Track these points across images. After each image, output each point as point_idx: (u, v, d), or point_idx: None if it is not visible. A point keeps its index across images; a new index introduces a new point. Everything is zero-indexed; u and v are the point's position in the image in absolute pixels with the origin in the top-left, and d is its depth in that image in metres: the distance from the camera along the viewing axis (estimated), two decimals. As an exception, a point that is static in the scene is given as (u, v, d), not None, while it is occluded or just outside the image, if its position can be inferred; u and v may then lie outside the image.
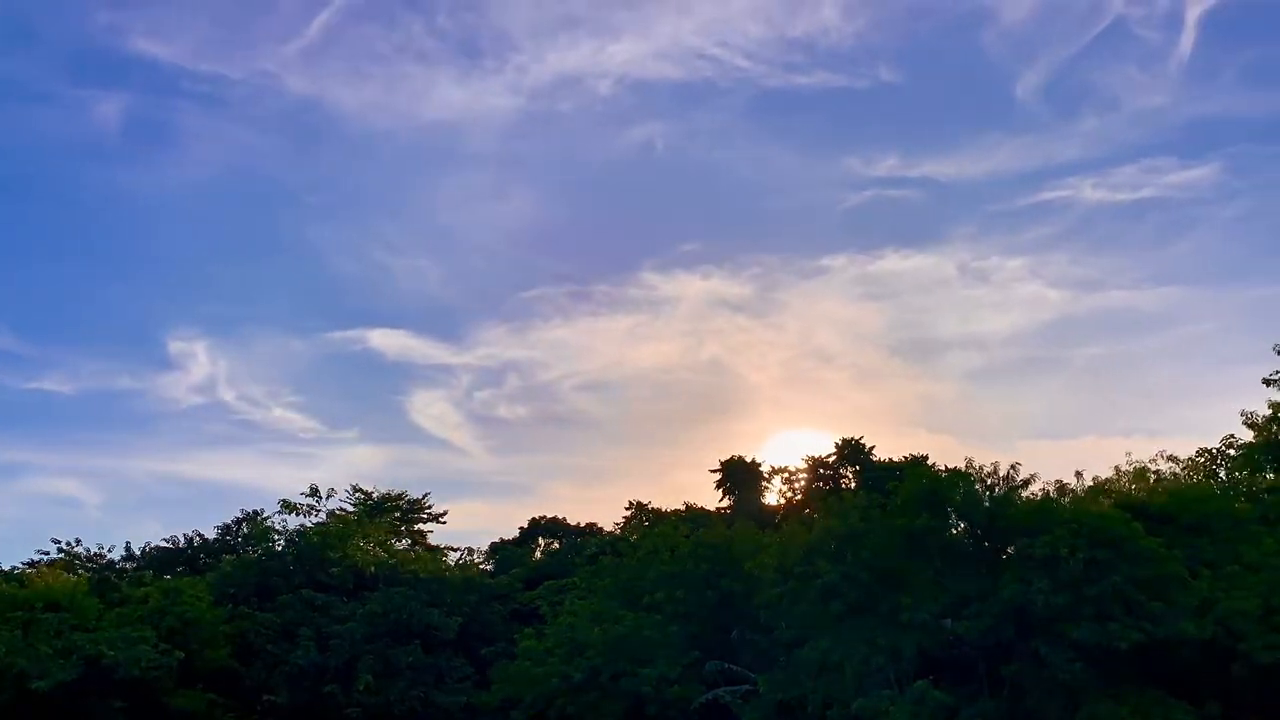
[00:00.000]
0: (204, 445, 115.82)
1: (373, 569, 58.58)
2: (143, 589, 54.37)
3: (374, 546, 60.85)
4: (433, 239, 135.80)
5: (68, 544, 62.04)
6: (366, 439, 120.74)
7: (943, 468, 43.13)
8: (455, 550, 67.92)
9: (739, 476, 64.35)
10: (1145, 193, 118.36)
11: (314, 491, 61.47)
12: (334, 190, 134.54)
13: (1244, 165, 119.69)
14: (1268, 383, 40.49)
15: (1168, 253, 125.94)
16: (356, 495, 64.05)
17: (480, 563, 69.09)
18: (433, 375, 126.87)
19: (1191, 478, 42.41)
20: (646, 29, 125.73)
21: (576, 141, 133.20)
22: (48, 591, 51.02)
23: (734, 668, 42.14)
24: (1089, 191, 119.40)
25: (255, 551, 62.13)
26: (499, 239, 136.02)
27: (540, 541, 77.17)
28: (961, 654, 37.13)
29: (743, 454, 65.24)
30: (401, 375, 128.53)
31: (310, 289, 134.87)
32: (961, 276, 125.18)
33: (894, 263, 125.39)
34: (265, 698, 51.37)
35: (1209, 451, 43.45)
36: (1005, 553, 38.11)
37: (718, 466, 65.22)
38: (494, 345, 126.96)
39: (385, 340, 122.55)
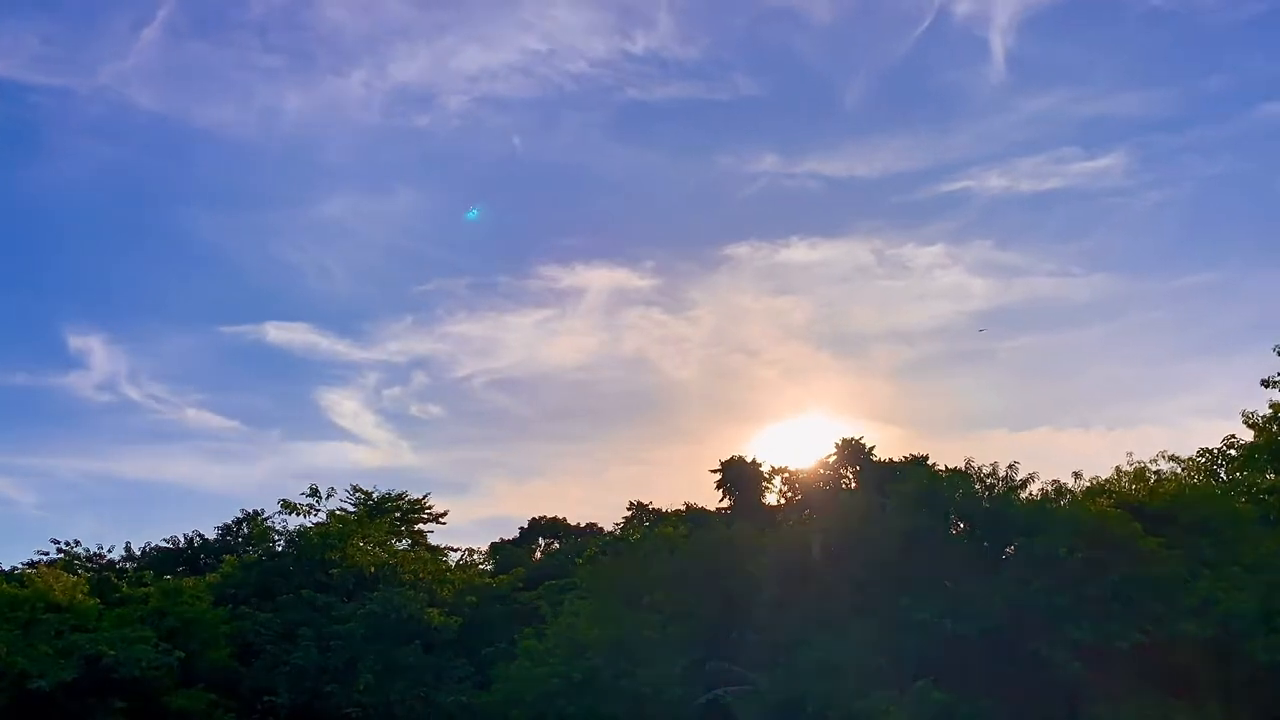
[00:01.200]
0: (129, 443, 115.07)
1: (373, 569, 58.59)
2: (143, 589, 54.47)
3: (374, 547, 60.84)
4: (321, 235, 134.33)
5: (67, 544, 62.40)
6: (291, 437, 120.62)
7: (943, 468, 43.18)
8: (456, 550, 68.01)
9: (739, 476, 64.36)
10: (1053, 183, 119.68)
11: (314, 491, 61.52)
12: (214, 193, 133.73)
13: (1151, 156, 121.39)
14: (1266, 384, 40.45)
15: (1087, 241, 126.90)
16: (356, 495, 64.14)
17: (480, 563, 69.15)
18: (339, 372, 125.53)
19: (1192, 478, 42.41)
20: (487, 42, 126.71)
21: (441, 149, 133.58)
22: (48, 591, 51.02)
23: (734, 668, 42.11)
24: (994, 181, 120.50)
25: (255, 552, 62.22)
26: (388, 234, 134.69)
27: (540, 542, 77.33)
28: (962, 654, 37.14)
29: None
30: (308, 372, 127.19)
31: (205, 285, 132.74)
32: (880, 266, 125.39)
33: (802, 251, 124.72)
34: (265, 698, 51.36)
35: (1209, 451, 43.49)
36: (1005, 552, 38.15)
37: (718, 466, 65.29)
38: (399, 340, 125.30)
39: (288, 336, 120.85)
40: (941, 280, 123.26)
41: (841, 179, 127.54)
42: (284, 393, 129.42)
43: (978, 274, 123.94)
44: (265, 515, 64.08)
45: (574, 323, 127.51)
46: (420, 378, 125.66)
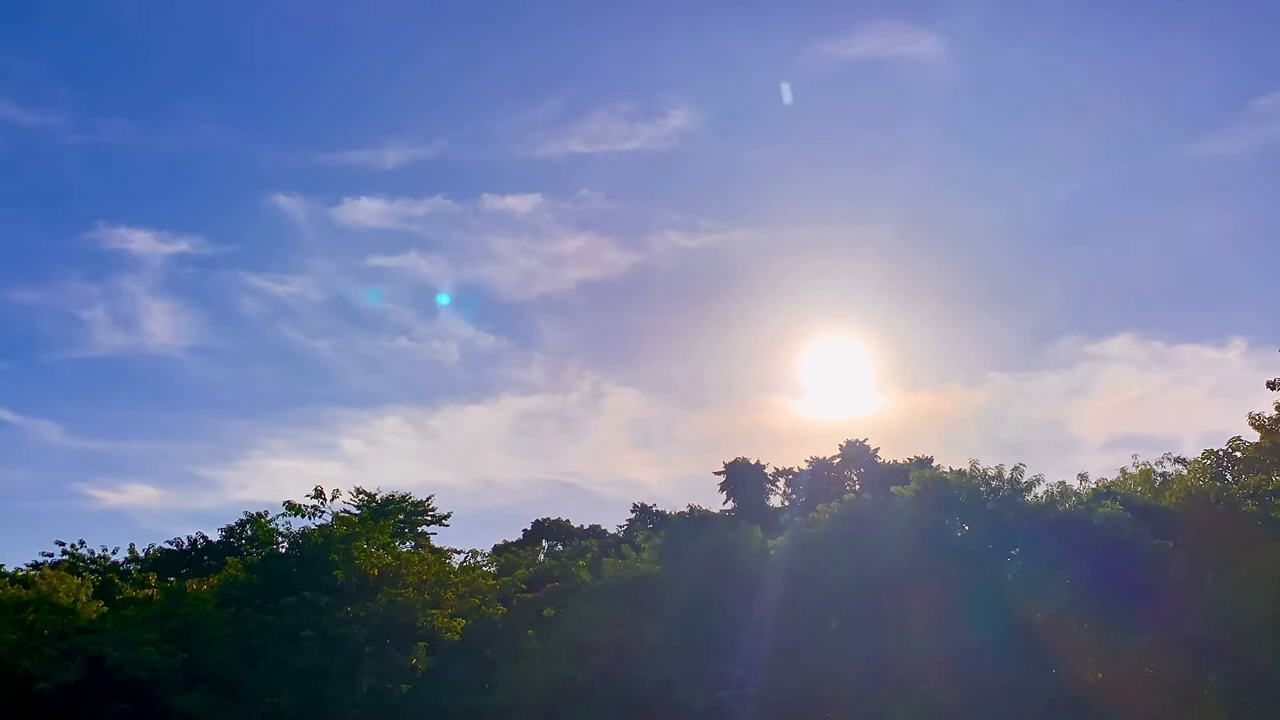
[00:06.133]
0: None
1: (376, 571, 58.51)
2: (146, 591, 54.54)
3: (378, 549, 60.80)
4: None
5: (71, 545, 62.76)
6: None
7: (947, 469, 43.04)
8: (460, 552, 67.98)
9: (742, 478, 64.36)
10: (633, 144, 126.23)
11: (318, 494, 61.53)
12: None
13: (722, 114, 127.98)
14: (1272, 385, 40.24)
15: (699, 196, 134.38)
16: (360, 497, 64.18)
17: (484, 564, 69.09)
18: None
19: (1197, 480, 42.21)
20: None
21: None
22: (52, 593, 51.11)
23: (738, 670, 42.04)
24: (575, 146, 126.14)
25: (259, 554, 62.18)
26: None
27: (544, 544, 77.36)
28: (966, 656, 37.00)
29: (746, 457, 65.27)
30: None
31: None
32: (474, 217, 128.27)
33: (364, 208, 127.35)
34: (268, 700, 51.31)
35: (1215, 453, 43.24)
36: (1010, 554, 38.03)
37: (721, 468, 65.27)
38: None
39: None
40: (568, 243, 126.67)
41: (378, 158, 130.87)
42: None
43: (595, 228, 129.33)
44: (269, 517, 64.20)
45: (148, 291, 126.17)
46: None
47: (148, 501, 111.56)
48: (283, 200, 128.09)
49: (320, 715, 51.21)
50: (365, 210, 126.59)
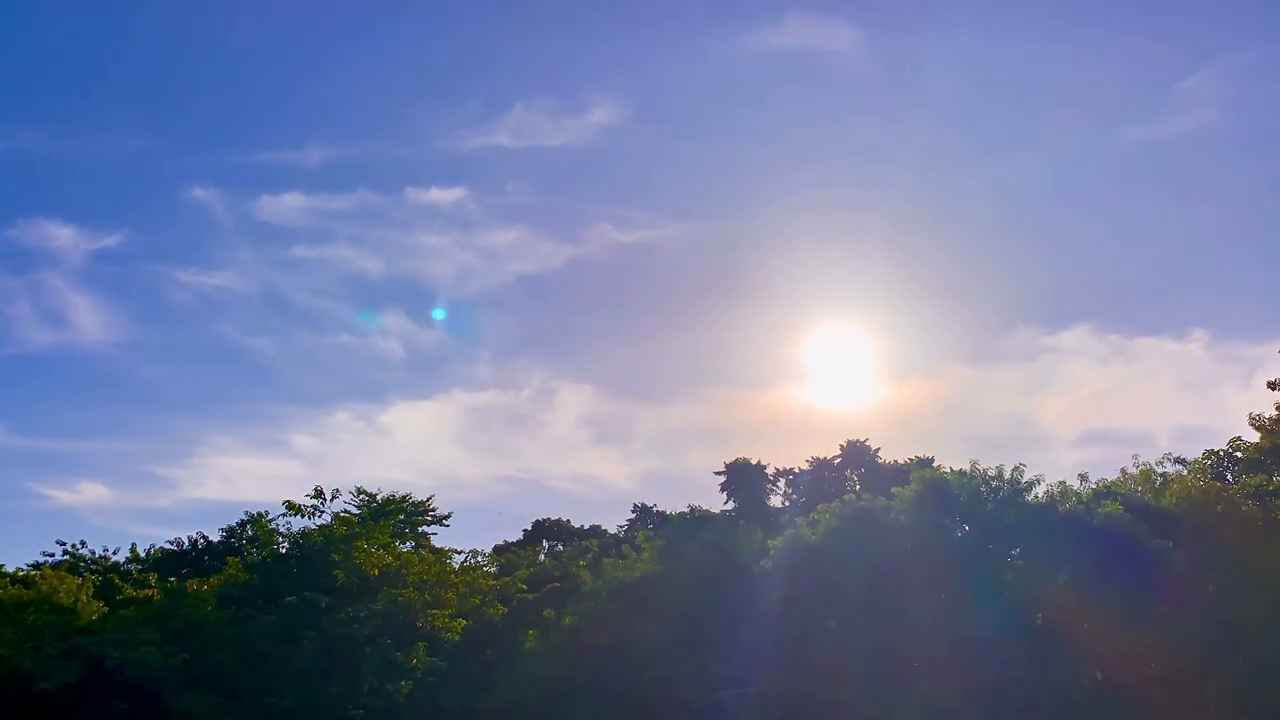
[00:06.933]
0: None
1: (377, 571, 58.51)
2: (147, 591, 54.59)
3: (378, 549, 60.81)
4: None
5: (72, 546, 62.87)
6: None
7: (948, 469, 43.07)
8: (460, 552, 67.99)
9: (743, 478, 64.34)
10: (560, 139, 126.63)
11: (318, 494, 61.50)
12: None
13: (647, 112, 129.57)
14: (1272, 386, 40.23)
15: (633, 191, 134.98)
16: (361, 497, 64.11)
17: (484, 564, 69.11)
18: None
19: (1198, 480, 42.22)
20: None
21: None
22: (52, 594, 51.15)
23: (737, 670, 42.03)
24: (505, 140, 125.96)
25: (259, 554, 62.20)
26: None
27: (544, 544, 77.38)
28: (967, 657, 36.99)
29: (747, 457, 65.24)
30: None
31: None
32: (396, 209, 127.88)
33: (295, 203, 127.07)
34: (267, 700, 51.33)
35: (1215, 453, 43.28)
36: (1010, 554, 38.03)
37: (723, 469, 65.25)
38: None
39: None
40: (500, 236, 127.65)
41: (299, 158, 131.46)
42: None
43: (526, 222, 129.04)
44: (269, 517, 64.23)
45: (74, 286, 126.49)
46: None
47: (101, 500, 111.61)
48: (200, 194, 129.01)
49: (320, 715, 51.19)
50: (286, 205, 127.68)
